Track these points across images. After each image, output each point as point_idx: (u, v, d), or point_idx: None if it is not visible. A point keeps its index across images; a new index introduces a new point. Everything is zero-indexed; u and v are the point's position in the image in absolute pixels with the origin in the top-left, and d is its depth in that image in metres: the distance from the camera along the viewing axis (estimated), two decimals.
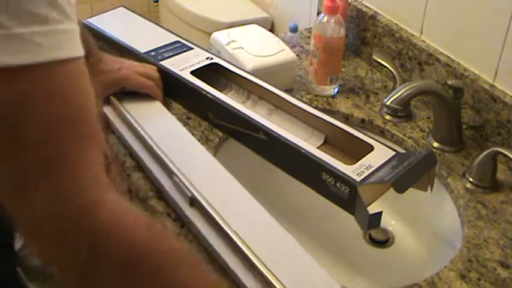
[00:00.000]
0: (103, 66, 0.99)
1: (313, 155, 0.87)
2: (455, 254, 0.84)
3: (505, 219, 0.89)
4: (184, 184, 0.86)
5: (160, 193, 0.90)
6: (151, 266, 0.56)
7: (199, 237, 0.82)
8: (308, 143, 0.92)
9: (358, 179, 0.83)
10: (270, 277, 0.72)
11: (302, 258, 0.76)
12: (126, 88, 1.03)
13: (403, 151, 0.90)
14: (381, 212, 0.80)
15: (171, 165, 0.88)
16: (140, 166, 0.94)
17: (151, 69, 1.05)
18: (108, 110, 1.04)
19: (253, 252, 0.75)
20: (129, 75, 1.01)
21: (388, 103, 0.95)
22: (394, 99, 0.94)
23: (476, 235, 0.86)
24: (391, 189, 0.83)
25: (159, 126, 0.99)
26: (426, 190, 0.88)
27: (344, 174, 0.83)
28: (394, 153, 0.89)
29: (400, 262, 0.99)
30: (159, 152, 0.91)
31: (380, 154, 0.88)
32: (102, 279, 0.55)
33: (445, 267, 0.81)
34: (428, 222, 1.00)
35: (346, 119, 1.10)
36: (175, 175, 0.88)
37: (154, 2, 2.28)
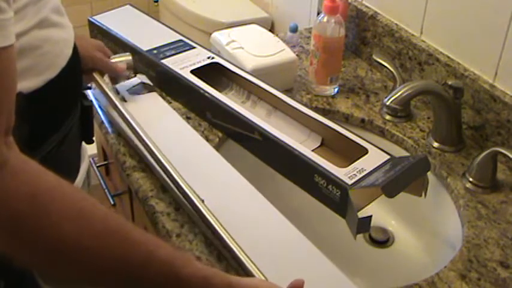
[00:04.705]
0: None
1: (306, 157, 0.87)
2: (455, 254, 0.84)
3: (505, 219, 0.89)
4: (187, 190, 0.85)
5: (160, 193, 0.90)
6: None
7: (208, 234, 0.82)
8: (305, 145, 0.91)
9: (350, 182, 0.82)
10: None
11: (318, 260, 0.76)
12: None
13: (398, 155, 0.90)
14: (370, 216, 0.80)
15: (173, 173, 0.88)
16: (140, 166, 0.94)
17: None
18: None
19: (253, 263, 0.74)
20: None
21: (388, 103, 0.95)
22: (394, 99, 0.94)
23: (476, 235, 0.86)
24: None
25: (161, 125, 0.99)
26: (420, 195, 0.88)
27: (336, 177, 0.83)
28: (388, 157, 0.89)
29: (400, 262, 0.99)
30: (160, 157, 0.91)
31: (374, 158, 0.88)
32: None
33: (445, 267, 0.81)
34: (428, 222, 1.00)
35: (346, 119, 1.10)
36: (175, 181, 0.87)
37: (154, 2, 2.28)
